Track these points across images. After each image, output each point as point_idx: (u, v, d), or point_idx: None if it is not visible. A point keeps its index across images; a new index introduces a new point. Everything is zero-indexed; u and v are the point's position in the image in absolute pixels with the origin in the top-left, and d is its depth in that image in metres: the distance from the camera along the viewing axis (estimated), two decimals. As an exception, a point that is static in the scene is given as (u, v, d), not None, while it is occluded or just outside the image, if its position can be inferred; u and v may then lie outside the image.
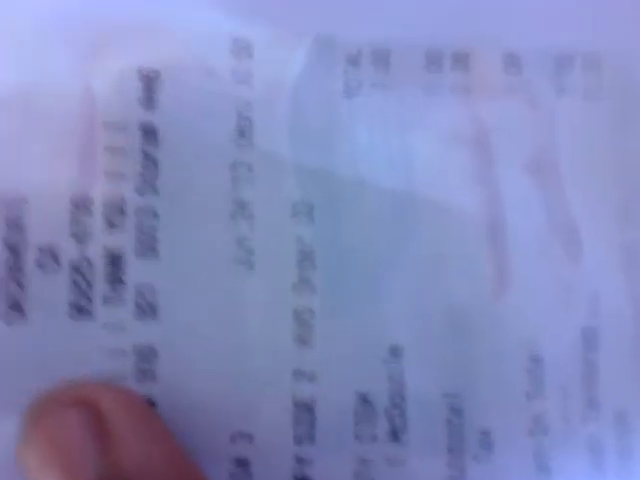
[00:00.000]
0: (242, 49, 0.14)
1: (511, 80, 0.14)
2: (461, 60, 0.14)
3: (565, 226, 0.14)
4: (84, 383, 0.12)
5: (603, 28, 0.15)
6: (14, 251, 0.12)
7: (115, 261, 0.12)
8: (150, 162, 0.13)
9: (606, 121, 0.15)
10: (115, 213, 0.13)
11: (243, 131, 0.13)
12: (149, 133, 0.13)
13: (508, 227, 0.14)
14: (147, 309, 0.13)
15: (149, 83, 0.13)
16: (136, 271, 0.13)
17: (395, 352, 0.13)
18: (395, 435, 0.13)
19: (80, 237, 0.12)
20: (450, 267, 0.14)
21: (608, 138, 0.15)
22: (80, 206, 0.12)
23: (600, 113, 0.15)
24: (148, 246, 0.13)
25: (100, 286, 0.12)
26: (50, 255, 0.12)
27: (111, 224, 0.13)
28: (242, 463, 0.13)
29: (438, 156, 0.14)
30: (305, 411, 0.13)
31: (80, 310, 0.12)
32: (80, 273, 0.12)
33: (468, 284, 0.14)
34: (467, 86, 0.14)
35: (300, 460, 0.13)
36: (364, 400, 0.13)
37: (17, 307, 0.12)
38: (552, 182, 0.14)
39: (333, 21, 0.14)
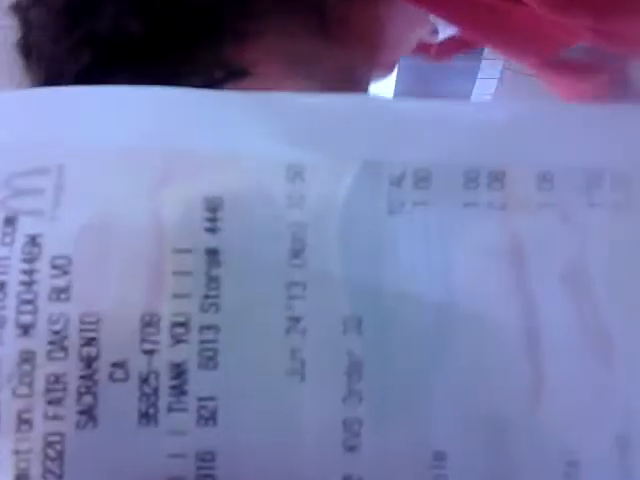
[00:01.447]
0: (296, 174, 0.15)
1: (544, 196, 0.15)
2: (497, 178, 0.15)
3: (598, 335, 0.15)
4: None
5: (631, 145, 0.16)
6: (88, 364, 0.13)
7: (179, 373, 0.14)
8: (213, 282, 0.14)
9: (636, 232, 0.15)
10: (180, 330, 0.14)
11: (297, 252, 0.14)
12: (213, 256, 0.14)
13: (543, 337, 0.14)
14: (208, 417, 0.14)
15: (213, 210, 0.14)
16: (198, 382, 0.14)
17: (439, 457, 0.14)
18: None
19: (148, 351, 0.14)
20: (488, 375, 0.14)
21: (637, 249, 0.15)
22: (149, 324, 0.14)
23: (629, 225, 0.15)
24: (210, 359, 0.14)
25: (165, 396, 0.13)
26: (121, 368, 0.13)
27: (177, 339, 0.14)
28: None
29: (476, 269, 0.15)
30: None
31: (147, 417, 0.13)
32: (148, 384, 0.13)
33: (507, 393, 0.14)
34: (503, 202, 0.15)
35: None
36: None
37: (89, 414, 0.13)
38: (585, 292, 0.15)
39: (378, 147, 0.15)
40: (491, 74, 2.12)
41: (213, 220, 0.14)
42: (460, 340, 0.14)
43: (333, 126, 0.15)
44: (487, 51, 2.07)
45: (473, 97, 2.17)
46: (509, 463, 0.14)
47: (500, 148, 0.16)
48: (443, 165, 0.15)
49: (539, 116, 0.16)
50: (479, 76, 2.13)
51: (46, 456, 0.13)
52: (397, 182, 0.15)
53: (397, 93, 2.21)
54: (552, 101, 0.16)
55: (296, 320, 0.14)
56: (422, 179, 0.15)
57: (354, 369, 0.14)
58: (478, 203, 0.15)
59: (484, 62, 2.09)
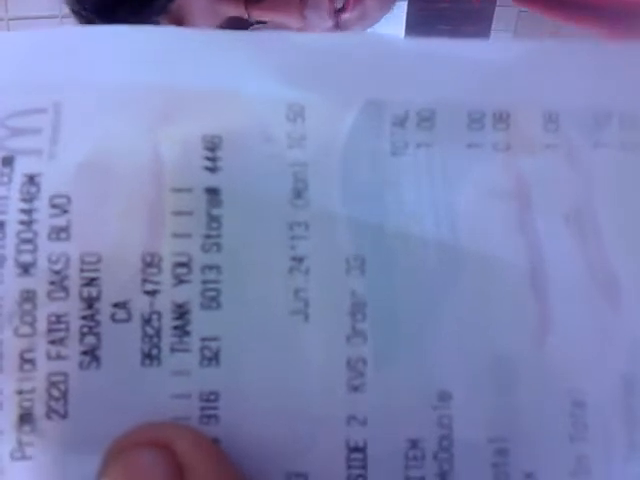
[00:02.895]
0: (296, 114, 0.14)
1: (549, 136, 0.15)
2: (502, 119, 0.15)
3: (604, 274, 0.15)
4: (160, 425, 0.13)
5: (637, 86, 0.16)
6: (90, 305, 0.13)
7: (182, 313, 0.13)
8: (214, 222, 0.14)
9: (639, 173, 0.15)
10: (182, 270, 0.14)
11: (299, 191, 0.14)
12: (213, 195, 0.14)
13: (549, 276, 0.14)
14: (211, 357, 0.14)
15: (212, 149, 0.14)
16: (201, 322, 0.14)
17: (443, 397, 0.14)
18: (443, 477, 0.14)
19: (150, 292, 0.13)
20: (494, 314, 0.14)
21: None
22: (150, 264, 0.13)
23: (636, 166, 0.15)
24: (212, 299, 0.14)
25: (168, 336, 0.13)
26: (123, 309, 0.13)
27: (178, 280, 0.14)
28: None
29: (480, 209, 0.15)
30: (357, 454, 0.14)
31: (150, 358, 0.13)
32: (150, 325, 0.13)
33: (511, 331, 0.14)
34: (507, 143, 0.15)
35: None
36: (414, 444, 0.14)
37: (92, 354, 0.13)
38: (591, 232, 0.15)
39: (380, 86, 0.15)
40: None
41: (213, 159, 0.14)
42: (465, 280, 0.14)
43: (334, 65, 0.15)
44: (496, 22, 2.04)
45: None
46: (514, 402, 0.14)
47: (505, 88, 0.15)
48: (447, 105, 0.15)
49: (545, 55, 0.16)
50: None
51: (50, 396, 0.13)
52: (400, 122, 0.15)
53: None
54: (558, 41, 0.15)
55: (299, 260, 0.14)
56: (425, 119, 0.15)
57: (358, 309, 0.14)
58: (482, 144, 0.15)
59: (493, 33, 2.07)
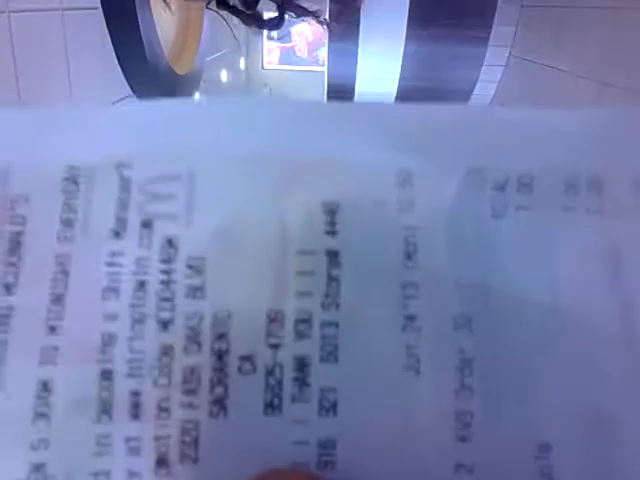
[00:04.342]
0: (405, 180, 0.16)
1: (639, 200, 0.16)
2: (595, 184, 0.16)
3: None
4: (290, 471, 0.14)
5: None
6: (219, 358, 0.14)
7: (302, 366, 0.15)
8: (333, 282, 0.15)
9: None
10: (303, 326, 0.15)
11: (410, 254, 0.15)
12: (333, 257, 0.15)
13: None
14: (329, 407, 0.15)
15: (331, 214, 0.15)
16: (320, 374, 0.15)
17: (544, 449, 0.15)
18: None
19: (273, 346, 0.15)
20: (593, 373, 0.15)
21: None
22: (274, 320, 0.15)
23: None
24: (330, 353, 0.15)
25: (289, 387, 0.14)
26: (249, 361, 0.14)
27: (300, 335, 0.15)
28: None
29: (576, 271, 0.16)
30: None
31: (272, 407, 0.14)
32: (273, 376, 0.14)
33: (610, 388, 0.15)
34: (600, 207, 0.16)
35: None
36: None
37: (220, 404, 0.14)
38: None
39: (481, 154, 0.16)
40: (497, 61, 2.13)
41: (332, 223, 0.15)
42: (564, 339, 0.15)
43: (439, 134, 0.16)
44: (494, 38, 2.07)
45: (479, 84, 2.17)
46: (613, 457, 0.15)
47: (598, 155, 0.16)
48: (545, 171, 0.16)
49: (634, 124, 0.17)
50: (485, 63, 2.14)
51: (183, 442, 0.14)
52: (500, 187, 0.16)
53: (402, 79, 2.21)
54: None
55: (411, 318, 0.15)
56: (524, 185, 0.16)
57: (465, 364, 0.15)
58: (577, 208, 0.16)
59: (490, 49, 2.10)
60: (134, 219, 0.15)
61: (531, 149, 0.16)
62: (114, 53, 1.50)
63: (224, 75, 2.33)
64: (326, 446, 0.14)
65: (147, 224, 0.15)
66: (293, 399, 0.14)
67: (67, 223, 0.15)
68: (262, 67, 2.53)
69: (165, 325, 0.14)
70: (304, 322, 0.15)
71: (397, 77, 2.20)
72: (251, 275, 0.15)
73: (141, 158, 0.15)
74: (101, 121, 0.16)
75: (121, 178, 0.15)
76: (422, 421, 0.15)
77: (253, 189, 0.15)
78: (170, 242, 0.15)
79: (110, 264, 0.15)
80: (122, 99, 1.56)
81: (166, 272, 0.14)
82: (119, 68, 1.53)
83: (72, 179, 0.15)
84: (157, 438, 0.14)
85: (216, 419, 0.14)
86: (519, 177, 0.16)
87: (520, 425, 0.15)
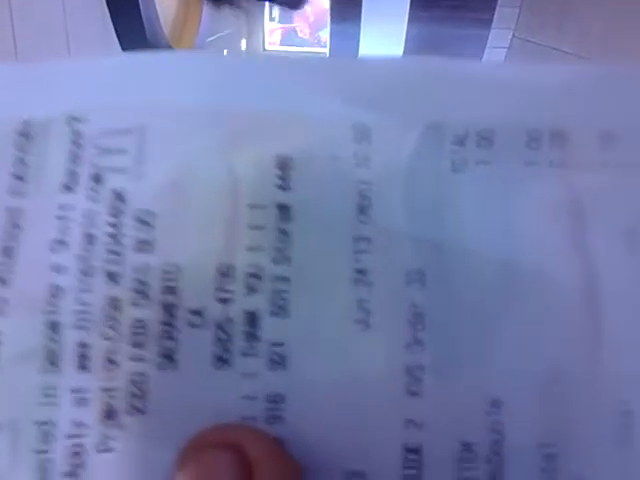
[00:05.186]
0: (362, 135, 0.15)
1: (605, 155, 0.16)
2: (559, 137, 0.16)
3: None
4: (232, 426, 0.14)
5: None
6: (168, 311, 0.14)
7: (252, 320, 0.15)
8: (284, 236, 0.15)
9: None
10: (254, 280, 0.15)
11: (364, 208, 0.15)
12: (284, 211, 0.15)
13: (603, 293, 0.15)
14: (278, 361, 0.15)
15: (284, 168, 0.15)
16: (270, 329, 0.15)
17: (496, 404, 0.15)
18: (494, 479, 0.15)
19: (223, 300, 0.14)
20: (549, 329, 0.15)
21: None
22: (225, 274, 0.15)
23: None
24: (281, 308, 0.15)
25: (239, 341, 0.14)
26: (198, 315, 0.14)
27: (250, 289, 0.15)
28: None
29: (537, 226, 0.15)
30: (413, 455, 0.15)
31: (221, 361, 0.14)
32: (223, 330, 0.14)
33: (565, 346, 0.15)
34: (563, 160, 0.16)
35: None
36: (467, 447, 0.15)
37: (169, 357, 0.14)
38: None
39: (441, 108, 0.16)
40: (500, 43, 2.11)
41: (284, 178, 0.15)
42: (521, 294, 0.15)
43: (398, 88, 0.16)
44: (497, 20, 2.05)
45: (482, 66, 2.15)
46: (566, 411, 0.15)
47: (563, 108, 0.16)
48: (506, 125, 0.16)
49: (602, 78, 0.17)
50: (488, 45, 2.12)
51: (131, 394, 0.14)
52: (460, 141, 0.16)
53: (405, 61, 2.19)
54: (615, 66, 0.16)
55: (362, 272, 0.15)
56: (485, 139, 0.16)
57: (417, 319, 0.15)
58: (539, 162, 0.16)
59: (493, 31, 2.08)
60: (84, 173, 0.15)
61: (492, 102, 0.16)
62: (114, 33, 1.49)
63: (225, 56, 2.31)
64: (275, 400, 0.14)
65: (97, 178, 0.15)
66: (243, 353, 0.14)
67: (19, 177, 0.15)
68: (263, 48, 2.51)
69: (113, 278, 0.14)
70: (254, 276, 0.15)
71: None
72: (201, 229, 0.15)
73: (93, 112, 0.15)
74: (56, 76, 0.16)
75: (73, 132, 0.15)
76: (372, 375, 0.15)
77: (204, 143, 0.15)
78: (119, 195, 0.15)
79: (60, 217, 0.14)
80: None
81: (115, 225, 0.14)
82: (119, 48, 1.53)
83: (26, 134, 0.15)
84: (105, 390, 0.14)
85: (165, 372, 0.14)
86: (479, 131, 0.16)
87: (472, 381, 0.15)
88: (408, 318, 0.15)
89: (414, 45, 2.15)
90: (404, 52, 2.14)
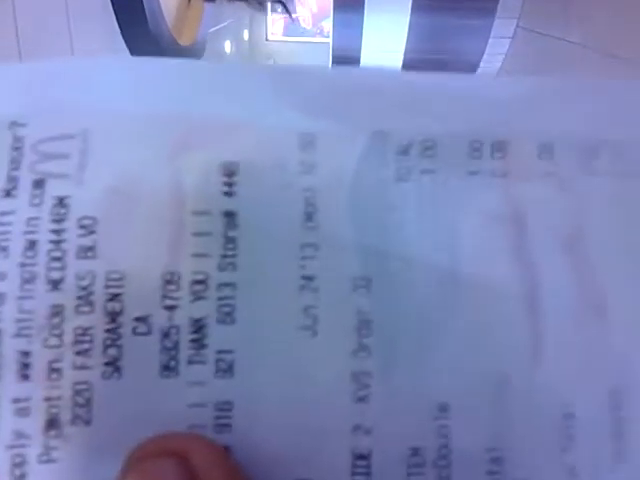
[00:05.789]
0: (308, 143, 0.15)
1: (545, 165, 0.16)
2: (500, 148, 0.16)
3: (594, 296, 0.15)
4: (175, 435, 0.14)
5: (626, 118, 0.17)
6: (113, 319, 0.14)
7: (199, 328, 0.14)
8: (230, 243, 0.15)
9: (633, 198, 0.16)
10: (200, 287, 0.15)
11: (310, 215, 0.15)
12: (230, 218, 0.15)
13: (543, 298, 0.15)
14: (225, 369, 0.14)
15: (230, 175, 0.15)
16: (216, 336, 0.14)
17: (443, 409, 0.15)
18: None
19: (169, 307, 0.14)
20: (491, 334, 0.15)
21: (632, 215, 0.16)
22: (170, 281, 0.14)
23: (624, 193, 0.16)
24: (227, 315, 0.15)
25: (186, 349, 0.14)
26: (144, 323, 0.14)
27: (196, 296, 0.14)
28: None
29: (479, 233, 0.15)
30: (362, 461, 0.15)
31: (168, 369, 0.14)
32: (169, 338, 0.14)
33: (508, 351, 0.15)
34: (505, 170, 0.16)
35: None
36: (415, 452, 0.15)
37: (114, 365, 0.14)
38: (583, 257, 0.16)
39: (386, 118, 0.16)
40: (504, 33, 2.09)
41: (230, 184, 0.15)
42: (464, 301, 0.15)
43: (344, 98, 0.16)
44: (501, 9, 2.03)
45: (486, 56, 2.14)
46: (509, 415, 0.15)
47: (504, 120, 0.16)
48: (449, 135, 0.16)
49: (541, 90, 0.17)
50: (492, 35, 2.11)
51: (75, 403, 0.14)
52: (404, 151, 0.16)
53: (408, 51, 2.19)
54: (555, 76, 0.16)
55: (309, 279, 0.15)
56: (428, 148, 0.16)
57: (363, 325, 0.15)
58: (482, 171, 0.16)
59: (497, 21, 2.06)
60: (26, 178, 0.15)
61: (434, 113, 0.16)
62: (117, 24, 1.49)
63: (227, 46, 2.31)
64: (223, 408, 0.14)
65: (39, 183, 0.15)
66: (189, 361, 0.14)
67: None
68: (266, 39, 2.51)
69: (55, 285, 0.14)
70: (200, 283, 0.14)
71: (402, 49, 2.17)
72: (145, 235, 0.15)
73: (35, 117, 0.15)
74: None
75: (14, 137, 0.15)
76: (319, 382, 0.15)
77: (148, 148, 0.15)
78: (61, 201, 0.14)
79: (0, 223, 0.14)
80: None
81: (57, 232, 0.14)
82: (123, 42, 1.53)
83: None
84: (47, 399, 0.14)
85: (110, 380, 0.14)
86: (422, 140, 0.16)
87: (419, 386, 0.15)
88: (354, 324, 0.15)
89: (417, 35, 2.14)
90: (407, 41, 2.13)
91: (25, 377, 0.14)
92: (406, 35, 2.12)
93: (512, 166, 0.16)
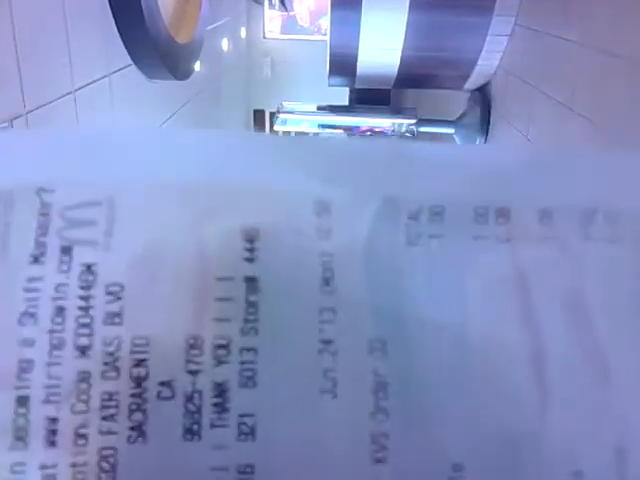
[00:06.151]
0: (323, 209, 0.16)
1: (544, 230, 0.17)
2: (503, 214, 0.17)
3: (596, 357, 0.16)
4: None
5: (624, 188, 0.17)
6: (138, 384, 0.15)
7: (221, 392, 0.15)
8: (252, 308, 0.15)
9: (628, 262, 0.17)
10: (222, 351, 0.15)
11: (327, 280, 0.15)
12: (251, 283, 0.15)
13: (548, 359, 0.16)
14: (247, 432, 0.15)
15: (250, 240, 0.15)
16: (238, 400, 0.15)
17: (457, 469, 0.15)
18: None
19: (192, 372, 0.15)
20: (501, 395, 0.16)
21: (628, 277, 0.17)
22: (193, 346, 0.15)
23: (620, 257, 0.17)
24: (249, 379, 0.15)
25: (208, 413, 0.15)
26: (168, 387, 0.15)
27: (219, 360, 0.15)
28: None
29: (486, 297, 0.16)
30: None
31: (191, 433, 0.15)
32: (192, 402, 0.15)
33: (516, 411, 0.16)
34: (508, 235, 0.17)
35: None
36: None
37: (139, 429, 0.15)
38: (584, 319, 0.16)
39: (396, 185, 0.17)
40: (502, 31, 2.09)
41: (251, 250, 0.15)
42: (474, 362, 0.16)
43: (357, 166, 0.17)
44: (499, 7, 2.03)
45: (483, 54, 2.14)
46: (519, 472, 0.15)
47: (506, 188, 0.17)
48: (455, 202, 0.17)
49: (542, 159, 0.18)
50: (490, 32, 2.10)
51: (100, 469, 0.14)
52: (414, 216, 0.16)
53: (406, 49, 2.18)
54: (553, 148, 0.17)
55: (327, 342, 0.15)
56: (436, 214, 0.16)
57: (380, 387, 0.15)
58: (486, 236, 0.17)
59: (495, 18, 2.06)
60: (53, 244, 0.15)
61: (441, 181, 0.17)
62: (114, 23, 1.49)
63: (225, 44, 2.30)
64: (245, 471, 0.15)
65: (66, 250, 0.15)
66: (212, 425, 0.15)
67: None
68: (263, 36, 2.50)
69: (83, 351, 0.15)
70: (223, 348, 0.15)
71: (400, 46, 2.16)
72: (169, 301, 0.15)
73: (62, 184, 0.15)
74: (23, 145, 0.16)
75: (42, 203, 0.15)
76: (338, 444, 0.15)
77: (172, 216, 0.15)
78: (89, 268, 0.15)
79: (28, 289, 0.15)
80: (122, 68, 1.55)
81: (84, 298, 0.15)
82: (120, 40, 1.52)
83: None
84: (74, 465, 0.14)
85: (135, 445, 0.14)
86: (431, 207, 0.16)
87: (433, 445, 0.15)
88: (371, 386, 0.15)
89: (415, 32, 2.13)
90: (405, 39, 2.13)
91: (52, 443, 0.14)
92: (404, 33, 2.12)
93: (515, 231, 0.17)
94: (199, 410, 0.15)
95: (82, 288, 0.15)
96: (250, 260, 0.15)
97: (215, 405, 0.15)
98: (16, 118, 1.06)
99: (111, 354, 0.15)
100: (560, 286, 0.16)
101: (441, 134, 2.47)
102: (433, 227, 0.16)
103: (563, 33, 1.72)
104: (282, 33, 2.53)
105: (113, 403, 0.14)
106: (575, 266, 0.17)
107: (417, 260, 0.16)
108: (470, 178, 0.17)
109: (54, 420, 0.14)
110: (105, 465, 0.14)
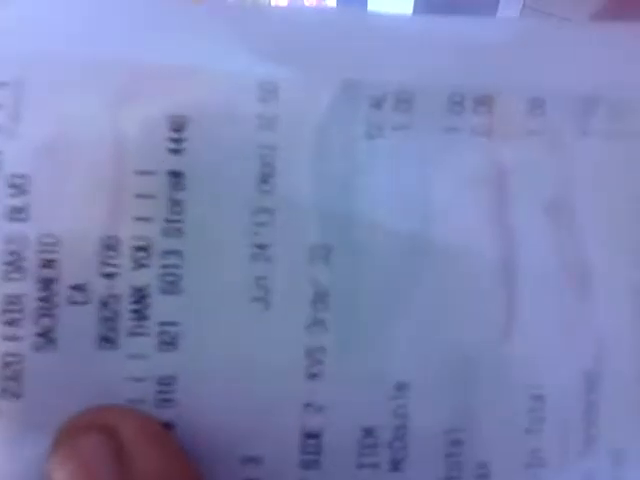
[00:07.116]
0: (268, 93, 0.14)
1: (534, 122, 0.15)
2: (484, 102, 0.14)
3: (577, 267, 0.14)
4: (106, 408, 0.13)
5: (628, 75, 0.15)
6: (46, 286, 0.13)
7: (141, 298, 0.13)
8: (176, 206, 0.14)
9: (623, 163, 0.15)
10: (142, 254, 0.13)
11: (266, 177, 0.14)
12: (176, 179, 0.14)
13: (520, 268, 0.14)
14: (169, 342, 0.13)
15: (177, 129, 0.14)
16: (160, 307, 0.13)
17: (401, 388, 0.14)
18: (395, 465, 0.14)
19: (108, 275, 0.13)
20: (460, 308, 0.14)
21: (625, 180, 0.15)
22: (109, 247, 0.13)
23: (620, 155, 0.15)
24: (172, 284, 0.13)
25: (126, 320, 0.13)
26: (81, 291, 0.13)
27: (138, 264, 0.13)
28: None
29: (455, 197, 0.14)
30: (312, 440, 0.14)
31: (106, 341, 0.13)
32: (108, 308, 0.13)
33: (476, 325, 0.14)
34: (488, 128, 0.14)
35: None
36: (369, 432, 0.14)
37: (47, 336, 0.13)
38: (567, 225, 0.14)
39: (359, 64, 0.14)
40: (511, 12, 2.06)
41: (177, 140, 0.14)
42: (432, 273, 0.14)
43: (311, 40, 0.14)
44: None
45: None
46: (473, 395, 0.14)
47: (490, 70, 0.15)
48: (427, 86, 0.14)
49: (534, 36, 0.15)
50: (498, 13, 2.07)
51: (4, 376, 0.13)
52: (377, 104, 0.14)
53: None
54: (551, 20, 0.15)
55: (262, 247, 0.14)
56: (403, 101, 0.14)
57: (319, 298, 0.14)
58: (461, 128, 0.14)
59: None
60: None
61: (414, 60, 0.15)
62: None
63: None
64: (165, 383, 0.13)
65: None
66: (130, 333, 0.13)
67: None
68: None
69: None
70: (142, 250, 0.13)
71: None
72: (82, 196, 0.13)
73: None
74: None
75: None
76: (269, 356, 0.14)
77: (87, 100, 0.14)
78: None
79: None
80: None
81: None
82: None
83: None
84: None
85: (42, 352, 0.13)
86: (398, 92, 0.14)
87: (376, 363, 0.14)
88: (310, 297, 0.14)
89: (423, 7, 2.10)
90: (413, 13, 2.10)
91: None
92: (412, 7, 2.09)
93: (497, 123, 0.14)
94: (116, 317, 0.13)
95: None
96: (176, 152, 0.14)
97: (134, 312, 0.13)
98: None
99: (14, 253, 0.13)
100: (545, 188, 0.14)
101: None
102: (398, 117, 0.14)
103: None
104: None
105: (17, 307, 0.13)
106: (566, 165, 0.15)
107: (376, 156, 0.14)
108: (447, 58, 0.15)
109: None
110: (9, 372, 0.13)
